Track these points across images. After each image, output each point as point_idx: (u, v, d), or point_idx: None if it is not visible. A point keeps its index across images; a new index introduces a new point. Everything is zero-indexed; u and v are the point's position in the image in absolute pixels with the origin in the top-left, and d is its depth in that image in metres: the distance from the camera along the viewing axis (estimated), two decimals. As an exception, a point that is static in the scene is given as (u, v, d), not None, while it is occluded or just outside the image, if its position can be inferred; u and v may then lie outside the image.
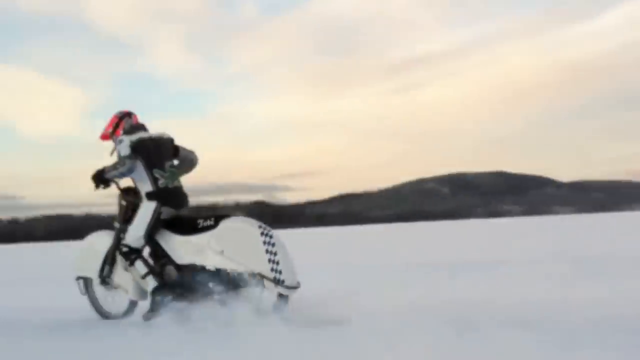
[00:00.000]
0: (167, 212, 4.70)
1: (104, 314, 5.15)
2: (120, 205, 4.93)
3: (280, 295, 4.19)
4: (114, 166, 4.66)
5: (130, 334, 4.13)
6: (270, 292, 4.18)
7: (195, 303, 4.39)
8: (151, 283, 4.60)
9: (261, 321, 3.82)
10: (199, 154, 5.17)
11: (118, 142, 4.73)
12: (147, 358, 3.40)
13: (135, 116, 5.04)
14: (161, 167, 4.77)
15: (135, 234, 4.66)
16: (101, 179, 4.75)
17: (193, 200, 5.03)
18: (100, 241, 5.07)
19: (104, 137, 5.02)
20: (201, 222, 4.51)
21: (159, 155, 4.80)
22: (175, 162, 4.98)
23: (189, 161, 5.08)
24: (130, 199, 4.86)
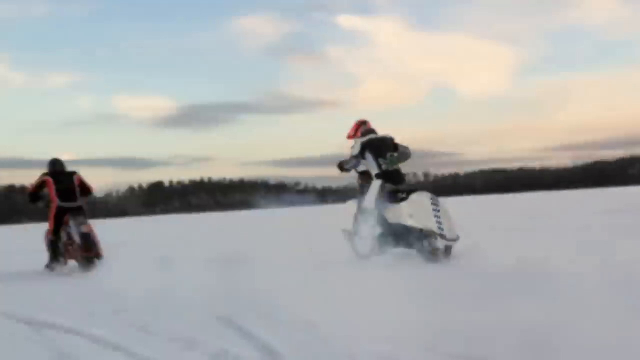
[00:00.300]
0: (388, 186, 7.06)
1: (359, 254, 7.33)
2: (359, 183, 7.51)
3: (446, 246, 6.46)
4: (347, 161, 7.31)
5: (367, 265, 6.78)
6: (440, 243, 6.44)
7: (401, 247, 6.87)
8: (377, 230, 6.99)
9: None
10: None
11: (354, 143, 7.38)
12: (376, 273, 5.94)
13: (369, 123, 7.58)
14: (383, 157, 7.19)
15: (368, 199, 7.04)
16: (342, 167, 7.39)
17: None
18: (352, 206, 7.57)
19: (349, 137, 7.63)
20: (400, 195, 6.88)
21: (381, 149, 7.25)
22: (395, 154, 7.32)
23: (405, 154, 7.42)
24: (365, 178, 7.34)
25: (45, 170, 8.42)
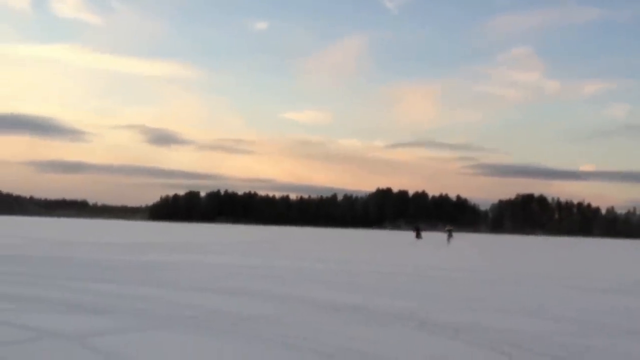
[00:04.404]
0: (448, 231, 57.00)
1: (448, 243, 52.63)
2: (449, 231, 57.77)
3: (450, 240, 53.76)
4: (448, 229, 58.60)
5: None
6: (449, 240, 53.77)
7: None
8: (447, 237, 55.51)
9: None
10: None
11: (449, 227, 59.14)
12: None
13: (448, 226, 61.26)
14: (449, 229, 58.48)
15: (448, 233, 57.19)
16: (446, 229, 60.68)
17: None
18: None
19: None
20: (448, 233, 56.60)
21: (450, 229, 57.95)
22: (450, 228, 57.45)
23: (451, 230, 56.79)
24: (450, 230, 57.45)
25: None
